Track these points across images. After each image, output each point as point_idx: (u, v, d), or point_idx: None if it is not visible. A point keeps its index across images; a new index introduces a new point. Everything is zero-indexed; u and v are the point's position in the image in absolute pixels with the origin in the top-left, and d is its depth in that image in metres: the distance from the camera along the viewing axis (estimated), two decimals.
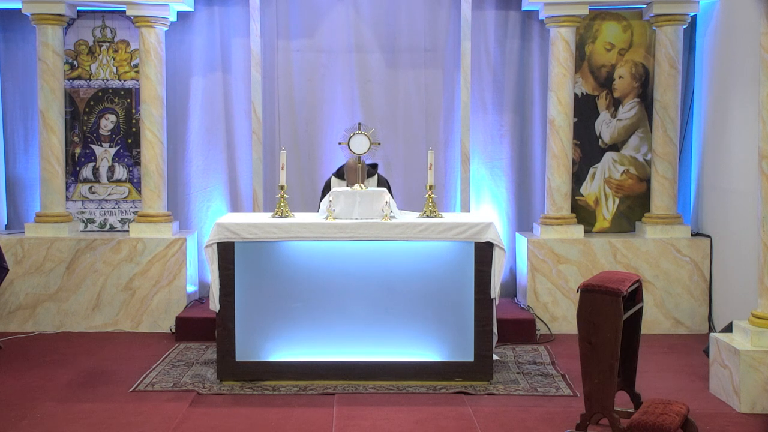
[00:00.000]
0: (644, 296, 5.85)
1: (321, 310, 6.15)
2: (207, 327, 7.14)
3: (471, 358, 6.13)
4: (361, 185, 6.39)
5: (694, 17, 7.91)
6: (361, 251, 6.17)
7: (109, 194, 8.23)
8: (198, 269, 8.24)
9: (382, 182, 7.18)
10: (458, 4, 8.16)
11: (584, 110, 8.11)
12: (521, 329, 7.38)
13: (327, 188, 7.10)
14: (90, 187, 8.23)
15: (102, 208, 8.23)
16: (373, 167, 7.25)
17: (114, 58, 8.20)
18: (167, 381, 6.18)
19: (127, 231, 8.06)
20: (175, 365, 6.61)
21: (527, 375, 6.37)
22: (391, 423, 5.33)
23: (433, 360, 6.17)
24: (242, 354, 6.14)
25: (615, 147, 8.17)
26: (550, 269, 7.75)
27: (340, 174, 7.26)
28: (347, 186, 6.85)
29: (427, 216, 6.35)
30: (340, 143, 6.66)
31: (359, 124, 6.63)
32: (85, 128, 8.19)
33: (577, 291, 4.98)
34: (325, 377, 6.13)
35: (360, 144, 6.45)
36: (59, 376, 6.35)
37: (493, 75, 8.40)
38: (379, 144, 6.72)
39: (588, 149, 8.17)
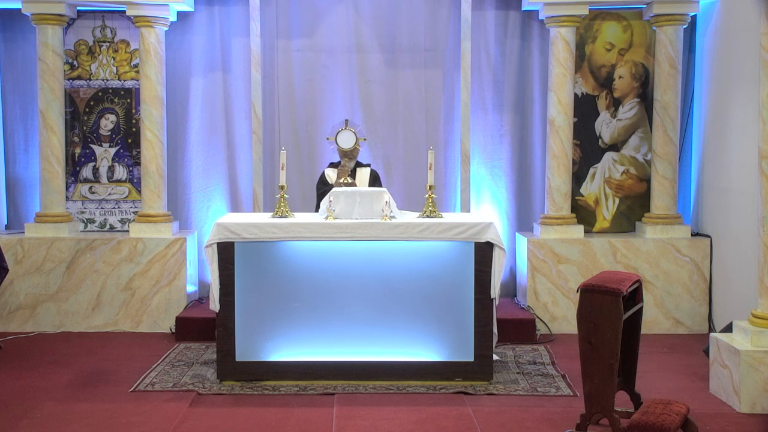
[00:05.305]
0: (644, 296, 5.85)
1: (321, 310, 6.15)
2: (207, 327, 7.14)
3: (471, 358, 6.13)
4: (348, 179, 6.67)
5: (694, 17, 7.91)
6: (361, 251, 6.17)
7: (109, 194, 8.23)
8: (198, 269, 8.25)
9: (374, 175, 7.20)
10: (458, 4, 8.16)
11: (584, 110, 8.11)
12: (521, 329, 7.38)
13: (321, 182, 7.14)
14: (90, 187, 8.23)
15: (102, 208, 8.23)
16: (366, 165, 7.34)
17: (114, 58, 8.20)
18: (167, 381, 6.18)
19: (127, 231, 8.06)
20: (175, 365, 6.61)
21: (527, 375, 6.37)
22: (391, 423, 5.33)
23: (433, 360, 6.16)
24: (242, 354, 6.13)
25: (615, 147, 8.16)
26: (550, 269, 7.74)
27: (334, 165, 7.28)
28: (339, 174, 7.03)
29: (427, 216, 6.35)
30: (327, 138, 7.08)
31: (346, 120, 6.98)
32: (85, 128, 8.19)
33: (577, 291, 4.97)
34: (325, 377, 6.13)
35: (347, 139, 6.91)
36: (59, 376, 6.34)
37: (493, 75, 8.40)
38: (364, 139, 7.16)
39: (588, 149, 8.17)
